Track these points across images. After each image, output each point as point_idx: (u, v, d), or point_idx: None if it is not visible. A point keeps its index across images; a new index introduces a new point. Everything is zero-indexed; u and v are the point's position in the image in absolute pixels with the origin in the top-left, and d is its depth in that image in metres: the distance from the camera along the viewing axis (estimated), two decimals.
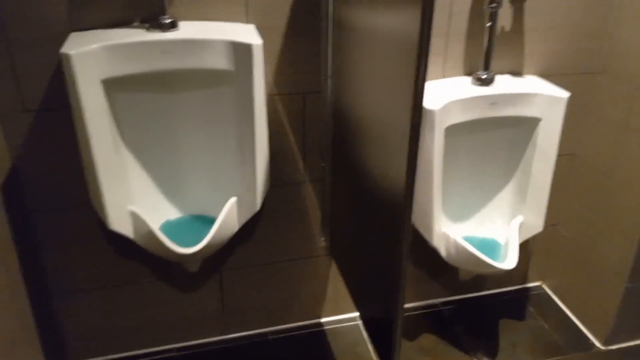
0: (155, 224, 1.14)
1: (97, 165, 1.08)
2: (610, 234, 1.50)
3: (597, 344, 1.60)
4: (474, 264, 1.31)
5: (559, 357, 1.55)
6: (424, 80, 0.80)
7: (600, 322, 1.58)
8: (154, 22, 1.11)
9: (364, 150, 1.09)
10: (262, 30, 1.21)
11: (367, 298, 1.22)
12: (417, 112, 0.82)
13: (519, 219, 1.41)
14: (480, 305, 1.74)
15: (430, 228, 1.33)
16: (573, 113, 1.52)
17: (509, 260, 1.29)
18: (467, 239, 1.43)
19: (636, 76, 1.36)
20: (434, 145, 1.24)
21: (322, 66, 1.28)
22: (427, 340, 1.60)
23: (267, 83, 1.28)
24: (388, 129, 0.94)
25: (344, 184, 1.29)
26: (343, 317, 1.67)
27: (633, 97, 1.38)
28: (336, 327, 1.64)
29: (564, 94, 1.31)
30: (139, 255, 1.41)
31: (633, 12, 1.35)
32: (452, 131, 1.32)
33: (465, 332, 1.63)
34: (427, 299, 1.73)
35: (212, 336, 1.59)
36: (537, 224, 1.42)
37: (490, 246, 1.44)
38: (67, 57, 0.99)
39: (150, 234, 1.13)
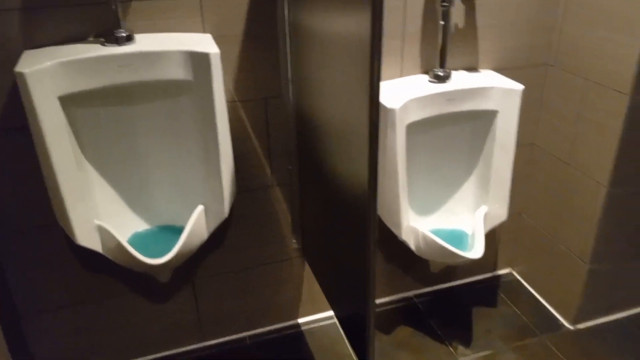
0: (123, 237, 1.14)
1: (59, 182, 1.07)
2: (571, 219, 1.56)
3: (566, 324, 1.65)
4: (443, 255, 1.34)
5: (531, 339, 1.60)
6: (378, 80, 0.82)
7: (568, 303, 1.64)
8: (109, 36, 1.10)
9: (328, 151, 1.10)
10: (219, 39, 1.22)
11: (340, 296, 1.23)
12: (374, 110, 0.84)
13: (483, 209, 1.45)
14: (453, 295, 1.78)
15: (398, 223, 1.36)
16: (530, 105, 1.57)
17: (475, 250, 1.32)
18: (435, 231, 1.46)
19: (584, 68, 1.42)
20: (397, 143, 1.26)
21: (281, 71, 1.30)
22: (403, 333, 1.63)
23: (227, 90, 1.28)
24: (349, 129, 0.96)
25: (312, 186, 1.30)
26: (320, 317, 1.69)
27: (583, 88, 1.43)
28: (314, 327, 1.66)
29: (519, 87, 1.35)
30: (109, 269, 1.40)
31: (578, 8, 1.41)
32: (413, 128, 1.35)
33: (440, 323, 1.67)
34: (401, 293, 1.76)
35: (190, 344, 1.59)
36: (501, 213, 1.46)
37: (457, 237, 1.47)
38: (21, 75, 0.98)
39: (119, 247, 1.12)
